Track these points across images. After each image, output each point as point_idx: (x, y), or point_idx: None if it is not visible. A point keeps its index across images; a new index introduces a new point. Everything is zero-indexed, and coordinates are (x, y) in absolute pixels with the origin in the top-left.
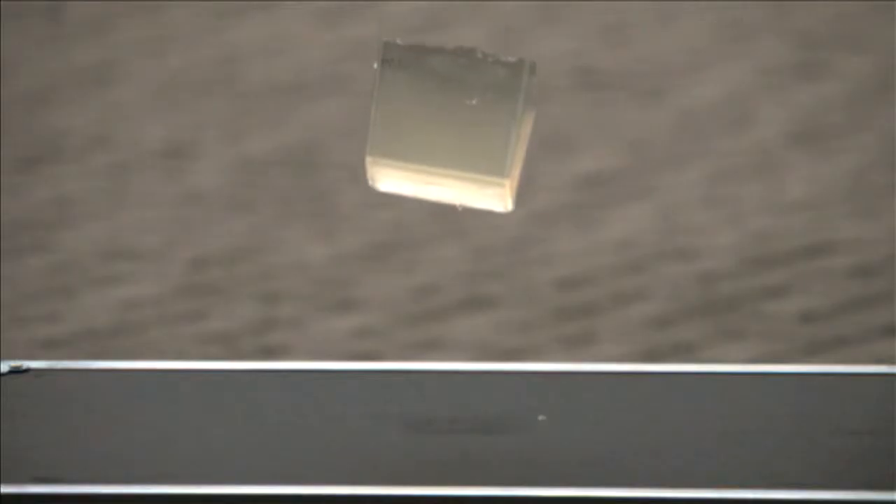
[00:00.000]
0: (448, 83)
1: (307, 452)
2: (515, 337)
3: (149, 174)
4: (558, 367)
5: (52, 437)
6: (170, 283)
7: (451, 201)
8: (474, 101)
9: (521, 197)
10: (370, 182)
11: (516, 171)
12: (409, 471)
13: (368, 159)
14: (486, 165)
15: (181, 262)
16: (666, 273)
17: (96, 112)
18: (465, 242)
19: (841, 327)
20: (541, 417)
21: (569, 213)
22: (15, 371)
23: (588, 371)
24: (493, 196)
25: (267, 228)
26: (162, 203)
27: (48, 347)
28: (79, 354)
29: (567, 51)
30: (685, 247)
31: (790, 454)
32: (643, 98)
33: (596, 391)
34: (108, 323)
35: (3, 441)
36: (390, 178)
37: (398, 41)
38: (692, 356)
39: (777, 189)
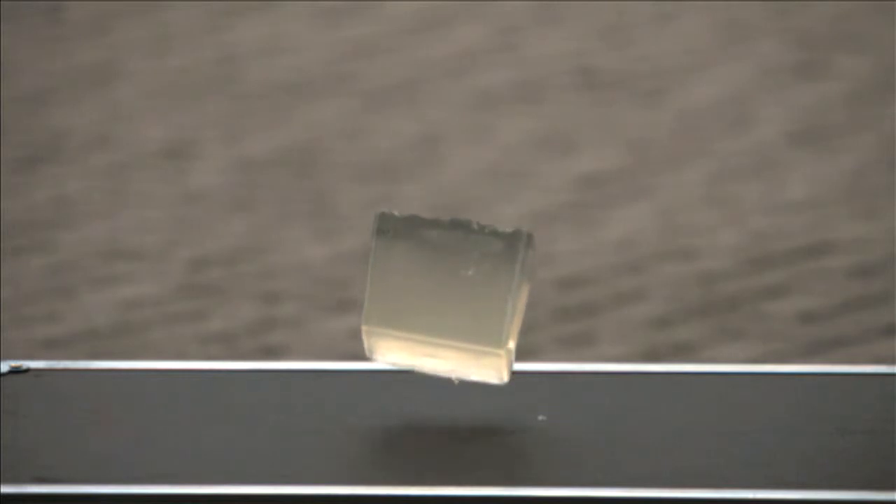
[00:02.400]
0: (444, 254)
1: (307, 452)
2: None
3: (149, 174)
4: (558, 367)
5: (52, 437)
6: (170, 283)
7: (447, 374)
8: (471, 272)
9: (521, 196)
10: (367, 353)
11: (513, 342)
12: (409, 471)
13: (364, 328)
14: (482, 336)
15: (181, 262)
16: (666, 273)
17: (96, 112)
18: None
19: (841, 327)
20: (541, 417)
21: (569, 213)
22: (15, 371)
23: (588, 371)
24: (489, 367)
25: (267, 228)
26: (162, 203)
27: (48, 347)
28: (79, 354)
29: (567, 51)
30: (685, 247)
31: (790, 454)
32: (643, 98)
33: (596, 391)
34: (108, 323)
35: (3, 441)
36: (386, 348)
37: (394, 212)
38: (692, 356)
39: (777, 189)
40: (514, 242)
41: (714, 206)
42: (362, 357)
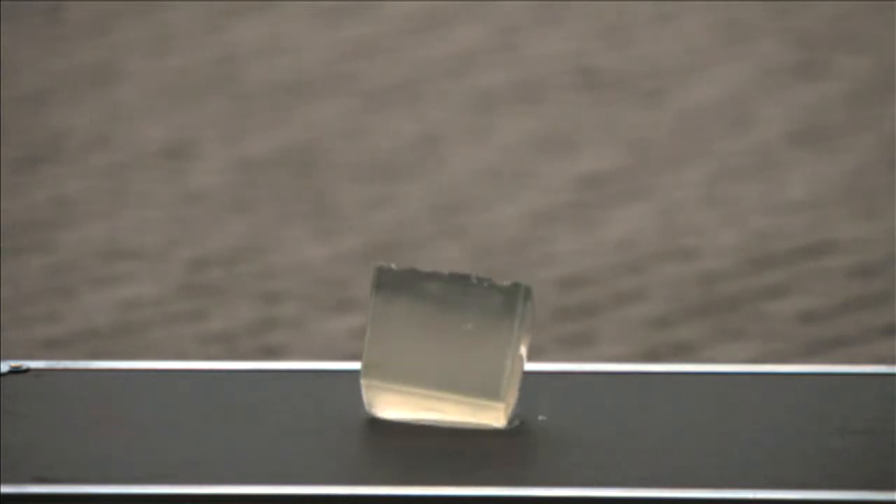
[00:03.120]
0: (443, 308)
1: (307, 452)
2: None
3: (149, 174)
4: (558, 367)
5: (52, 437)
6: (170, 283)
7: (447, 424)
8: (469, 326)
9: (521, 196)
10: (366, 407)
11: (512, 391)
12: (409, 471)
13: (363, 382)
14: (482, 389)
15: (181, 262)
16: (666, 273)
17: (96, 112)
18: (465, 242)
19: (841, 327)
20: (541, 417)
21: (569, 213)
22: (15, 371)
23: (588, 371)
24: (489, 419)
25: (267, 228)
26: (162, 203)
27: (48, 347)
28: (79, 354)
29: (567, 51)
30: (685, 247)
31: (790, 454)
32: (643, 98)
33: (596, 391)
34: (108, 323)
35: (3, 441)
36: (385, 402)
37: (392, 266)
38: (692, 356)
39: (777, 189)
40: (512, 296)
41: (714, 206)
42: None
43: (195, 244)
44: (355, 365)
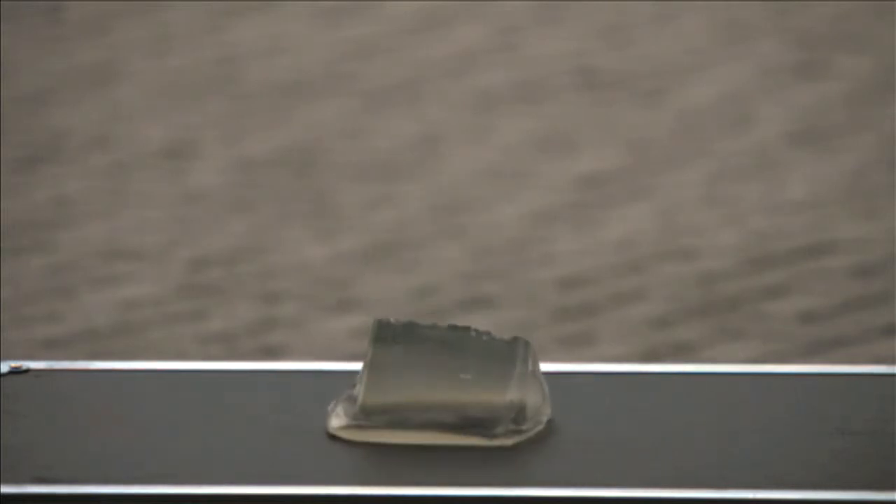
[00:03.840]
0: (442, 358)
1: (307, 453)
2: None
3: (149, 174)
4: (558, 367)
5: (52, 437)
6: (170, 283)
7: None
8: (469, 377)
9: (521, 196)
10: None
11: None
12: (408, 471)
13: (360, 432)
14: (480, 437)
15: (181, 262)
16: (666, 273)
17: (96, 112)
18: (465, 242)
19: (841, 327)
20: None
21: (569, 213)
22: (15, 371)
23: (588, 371)
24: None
25: (267, 228)
26: (162, 203)
27: (48, 347)
28: (79, 354)
29: (567, 51)
30: (685, 247)
31: (790, 454)
32: (643, 98)
33: (596, 391)
34: (108, 323)
35: (3, 441)
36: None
37: (391, 320)
38: (692, 356)
39: (777, 189)
40: (511, 347)
41: (714, 206)
42: (362, 357)
43: (195, 244)
44: (355, 365)
